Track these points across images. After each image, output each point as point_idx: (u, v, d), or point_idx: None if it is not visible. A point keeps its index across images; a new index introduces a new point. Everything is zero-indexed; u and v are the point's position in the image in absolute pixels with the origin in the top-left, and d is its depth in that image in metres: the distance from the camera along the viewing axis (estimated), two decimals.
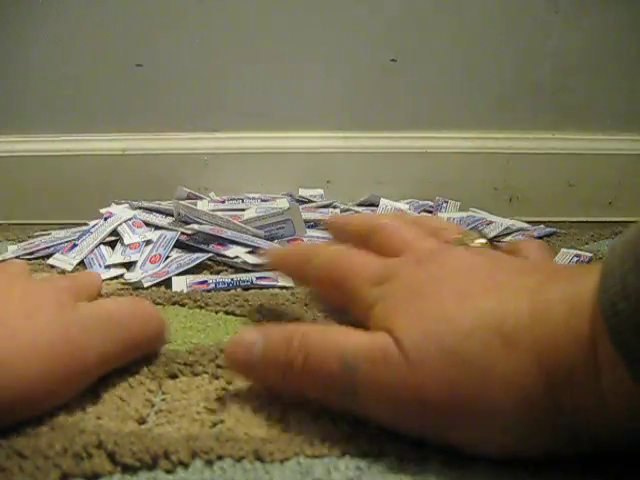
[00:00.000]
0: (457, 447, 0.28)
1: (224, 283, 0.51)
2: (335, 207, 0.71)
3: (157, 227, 0.62)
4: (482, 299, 0.28)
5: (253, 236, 0.59)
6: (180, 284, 0.51)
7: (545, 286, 0.27)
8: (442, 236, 0.36)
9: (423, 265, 0.31)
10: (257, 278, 0.52)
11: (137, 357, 0.36)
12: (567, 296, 0.26)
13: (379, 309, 0.30)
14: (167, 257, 0.57)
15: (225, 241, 0.58)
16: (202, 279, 0.52)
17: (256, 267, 0.55)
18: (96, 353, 0.32)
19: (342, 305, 0.35)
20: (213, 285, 0.51)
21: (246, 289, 0.50)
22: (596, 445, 0.26)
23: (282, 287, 0.51)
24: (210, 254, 0.56)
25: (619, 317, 0.23)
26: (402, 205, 0.69)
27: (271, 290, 0.50)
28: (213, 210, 0.66)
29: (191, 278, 0.52)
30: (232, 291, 0.50)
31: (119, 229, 0.61)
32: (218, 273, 0.55)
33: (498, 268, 0.30)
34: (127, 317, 0.35)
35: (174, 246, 0.58)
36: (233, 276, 0.53)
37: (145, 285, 0.51)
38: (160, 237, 0.59)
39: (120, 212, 0.64)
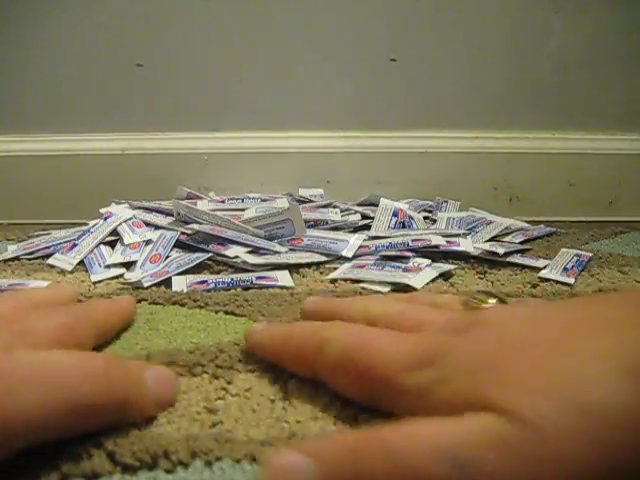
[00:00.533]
0: None
1: (224, 283, 0.51)
2: (335, 207, 0.71)
3: (157, 227, 0.62)
4: (591, 341, 0.24)
5: (253, 236, 0.59)
6: (180, 284, 0.51)
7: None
8: (446, 308, 0.33)
9: (473, 333, 0.27)
10: (257, 278, 0.52)
11: (93, 427, 0.28)
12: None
13: (444, 392, 0.25)
14: (167, 257, 0.57)
15: (225, 241, 0.58)
16: (202, 279, 0.52)
17: (256, 267, 0.55)
18: (22, 419, 0.25)
19: (365, 397, 0.30)
20: (213, 285, 0.51)
21: (246, 289, 0.50)
22: None
23: (282, 287, 0.51)
24: (210, 254, 0.56)
25: None
26: (402, 205, 0.69)
27: (271, 290, 0.50)
28: (213, 210, 0.66)
29: (191, 278, 0.52)
30: (232, 291, 0.50)
31: (119, 229, 0.61)
32: (218, 273, 0.55)
33: (561, 315, 0.27)
34: (74, 376, 0.28)
35: (174, 246, 0.58)
36: (233, 276, 0.53)
37: (145, 285, 0.51)
38: (160, 237, 0.59)
39: (120, 212, 0.64)
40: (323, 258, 0.57)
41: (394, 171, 0.77)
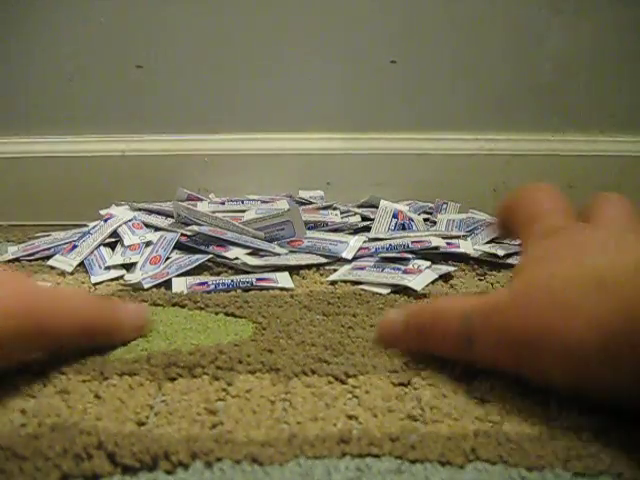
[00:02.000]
0: (544, 381, 0.32)
1: (224, 284, 0.51)
2: (335, 208, 0.71)
3: (157, 228, 0.62)
4: (591, 258, 0.32)
5: (253, 237, 0.59)
6: (180, 285, 0.51)
7: None
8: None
9: (548, 239, 0.36)
10: (257, 279, 0.52)
11: (87, 344, 0.38)
12: None
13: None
14: (167, 258, 0.57)
15: (225, 242, 0.58)
16: (202, 280, 0.52)
17: (255, 269, 0.55)
18: (61, 325, 0.35)
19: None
20: (213, 286, 0.51)
21: (246, 290, 0.51)
22: None
23: (282, 288, 0.51)
24: (210, 255, 0.56)
25: None
26: (402, 207, 0.69)
27: (271, 292, 0.50)
28: (213, 211, 0.66)
29: (191, 279, 0.53)
30: (232, 292, 0.50)
31: (119, 230, 0.61)
32: (218, 274, 0.55)
33: (612, 238, 0.34)
34: (86, 304, 0.38)
35: (174, 247, 0.58)
36: (233, 277, 0.53)
37: (145, 286, 0.51)
38: (160, 238, 0.59)
39: (120, 213, 0.64)
40: (323, 260, 0.57)
41: (394, 173, 0.77)
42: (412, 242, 0.58)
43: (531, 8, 0.75)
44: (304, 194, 0.75)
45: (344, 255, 0.57)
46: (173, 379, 0.35)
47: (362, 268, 0.55)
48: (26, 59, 0.75)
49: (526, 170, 0.77)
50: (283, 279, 0.53)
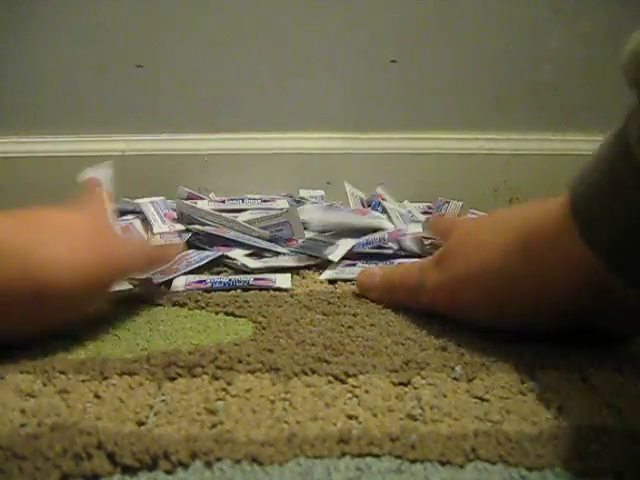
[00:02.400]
0: (469, 312, 0.41)
1: (221, 283, 0.51)
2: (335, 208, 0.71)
3: None
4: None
5: (258, 237, 0.59)
6: (179, 282, 0.51)
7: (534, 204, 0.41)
8: None
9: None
10: (255, 279, 0.52)
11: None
12: (550, 204, 0.38)
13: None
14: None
15: (228, 242, 0.58)
16: (200, 278, 0.52)
17: (255, 270, 0.55)
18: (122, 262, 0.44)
19: None
20: (210, 285, 0.51)
21: (245, 290, 0.50)
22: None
23: (279, 289, 0.51)
24: (220, 253, 0.56)
25: (576, 194, 0.35)
26: (403, 209, 0.69)
27: (271, 292, 0.50)
28: (214, 209, 0.66)
29: (190, 277, 0.52)
30: (232, 292, 0.50)
31: (148, 215, 0.61)
32: (218, 274, 0.55)
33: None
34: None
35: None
36: (231, 277, 0.53)
37: (156, 282, 0.51)
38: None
39: (101, 175, 0.63)
40: (319, 261, 0.57)
41: (394, 172, 0.77)
42: (388, 234, 0.60)
43: (531, 8, 0.75)
44: (305, 193, 0.75)
45: (330, 257, 0.56)
46: (173, 379, 0.35)
47: (353, 264, 0.55)
48: (26, 59, 0.75)
49: (526, 170, 0.77)
50: (281, 280, 0.52)
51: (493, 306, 0.39)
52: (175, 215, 0.63)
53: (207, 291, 0.50)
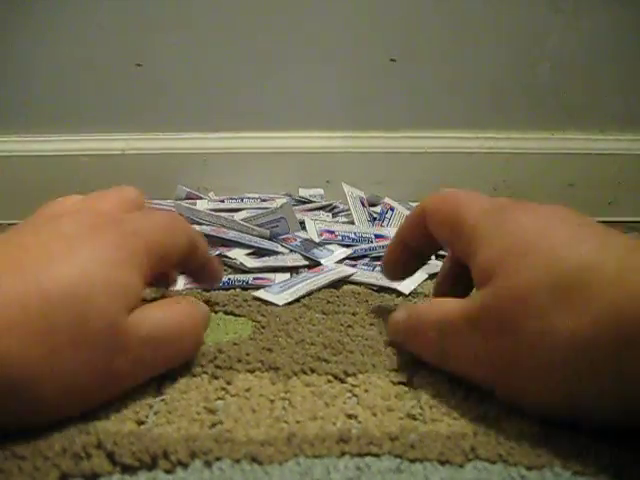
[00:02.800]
0: (517, 399, 0.31)
1: (220, 282, 0.51)
2: (334, 207, 0.71)
3: None
4: (559, 252, 0.29)
5: (257, 236, 0.59)
6: (178, 283, 0.51)
7: (633, 252, 0.28)
8: None
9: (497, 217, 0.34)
10: (254, 278, 0.52)
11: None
12: None
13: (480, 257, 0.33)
14: None
15: (228, 242, 0.58)
16: None
17: (254, 270, 0.55)
18: (134, 376, 0.32)
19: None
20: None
21: (244, 289, 0.50)
22: None
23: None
24: (218, 252, 0.56)
25: None
26: (403, 210, 0.69)
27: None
28: (213, 209, 0.66)
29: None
30: (231, 291, 0.50)
31: None
32: None
33: (583, 221, 0.32)
34: (175, 336, 0.34)
35: None
36: (230, 276, 0.52)
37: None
38: None
39: None
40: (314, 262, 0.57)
41: (394, 171, 0.77)
42: (375, 237, 0.60)
43: (531, 7, 0.75)
44: (304, 192, 0.75)
45: (323, 262, 0.56)
46: (172, 378, 0.35)
47: (353, 265, 0.55)
48: (26, 58, 0.74)
49: (526, 169, 0.77)
50: (280, 279, 0.52)
51: (564, 403, 0.29)
52: None
53: (206, 290, 0.50)
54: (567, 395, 0.28)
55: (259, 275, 0.53)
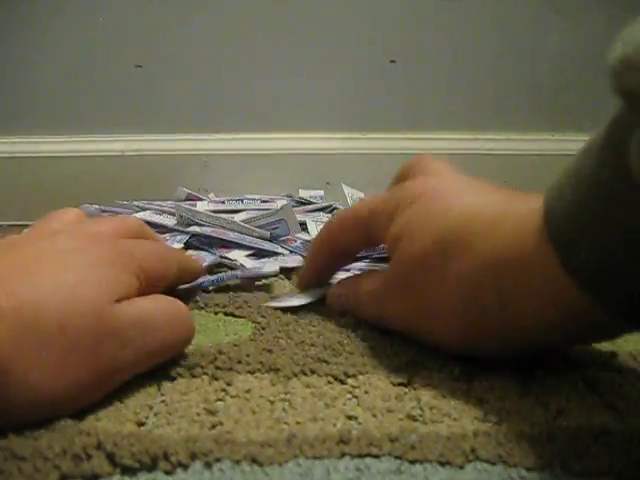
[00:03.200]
0: (432, 342, 0.37)
1: (209, 281, 0.51)
2: (335, 209, 0.71)
3: (167, 229, 0.62)
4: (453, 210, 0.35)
5: (258, 238, 0.59)
6: None
7: (505, 204, 0.35)
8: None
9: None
10: (242, 272, 0.52)
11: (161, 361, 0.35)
12: (520, 211, 0.32)
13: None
14: None
15: (229, 243, 0.58)
16: None
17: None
18: (125, 364, 0.32)
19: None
20: (200, 282, 0.50)
21: (240, 287, 0.50)
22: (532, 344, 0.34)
23: (267, 276, 0.51)
24: (218, 260, 0.56)
25: (554, 214, 0.29)
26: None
27: (270, 293, 0.50)
28: (213, 210, 0.66)
29: None
30: (231, 292, 0.50)
31: None
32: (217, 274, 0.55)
33: (489, 187, 0.38)
34: (164, 322, 0.34)
35: (185, 249, 0.58)
36: (220, 274, 0.52)
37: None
38: (171, 237, 0.60)
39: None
40: None
41: (394, 172, 0.77)
42: None
43: (531, 8, 0.75)
44: (304, 194, 0.75)
45: None
46: (172, 379, 0.35)
47: (348, 270, 0.55)
48: (25, 59, 0.75)
49: (526, 170, 0.77)
50: (268, 265, 0.52)
51: (461, 338, 0.35)
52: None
53: (206, 291, 0.50)
54: (463, 331, 0.34)
55: (247, 267, 0.53)
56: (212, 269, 0.55)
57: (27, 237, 0.37)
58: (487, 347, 0.35)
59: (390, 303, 0.39)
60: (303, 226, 0.63)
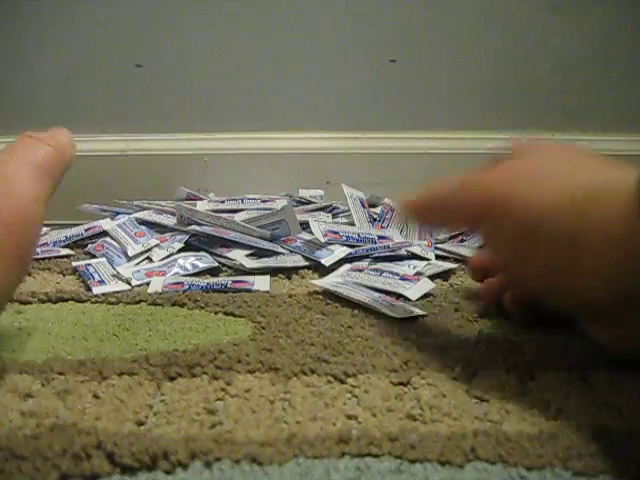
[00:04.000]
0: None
1: (198, 286, 0.51)
2: (334, 209, 0.71)
3: (167, 229, 0.62)
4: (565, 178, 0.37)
5: (258, 237, 0.59)
6: (157, 285, 0.51)
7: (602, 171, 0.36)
8: None
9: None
10: (233, 282, 0.51)
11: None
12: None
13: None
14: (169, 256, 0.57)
15: (229, 242, 0.58)
16: (178, 280, 0.52)
17: (253, 270, 0.54)
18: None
19: None
20: (188, 287, 0.50)
21: (224, 292, 0.50)
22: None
23: (256, 290, 0.50)
24: (216, 264, 0.56)
25: None
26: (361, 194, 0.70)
27: (270, 292, 0.50)
28: (213, 210, 0.66)
29: (169, 279, 0.52)
30: (230, 292, 0.50)
31: (121, 240, 0.60)
32: (217, 274, 0.55)
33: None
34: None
35: (184, 249, 0.58)
36: (209, 280, 0.52)
37: (132, 284, 0.51)
38: (171, 237, 0.60)
39: (105, 224, 0.64)
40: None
41: (394, 172, 0.77)
42: (378, 238, 0.60)
43: (531, 8, 0.75)
44: (304, 193, 0.75)
45: (323, 262, 0.56)
46: (172, 379, 0.35)
47: (361, 270, 0.55)
48: (25, 58, 0.75)
49: None
50: (260, 282, 0.52)
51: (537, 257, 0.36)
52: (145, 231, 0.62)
53: (184, 292, 0.50)
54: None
55: (238, 278, 0.53)
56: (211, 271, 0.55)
57: None
58: (563, 284, 0.35)
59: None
60: (303, 226, 0.63)
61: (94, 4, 0.73)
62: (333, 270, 0.55)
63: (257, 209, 0.67)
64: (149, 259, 0.58)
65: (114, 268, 0.55)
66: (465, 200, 0.41)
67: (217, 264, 0.56)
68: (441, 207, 0.44)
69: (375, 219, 0.66)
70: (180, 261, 0.56)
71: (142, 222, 0.64)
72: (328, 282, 0.52)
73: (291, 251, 0.58)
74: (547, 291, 0.37)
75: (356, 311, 0.46)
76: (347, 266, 0.56)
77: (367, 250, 0.58)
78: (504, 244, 0.39)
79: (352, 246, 0.59)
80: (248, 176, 0.76)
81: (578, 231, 0.34)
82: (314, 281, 0.52)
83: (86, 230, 0.63)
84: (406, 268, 0.55)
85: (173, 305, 0.47)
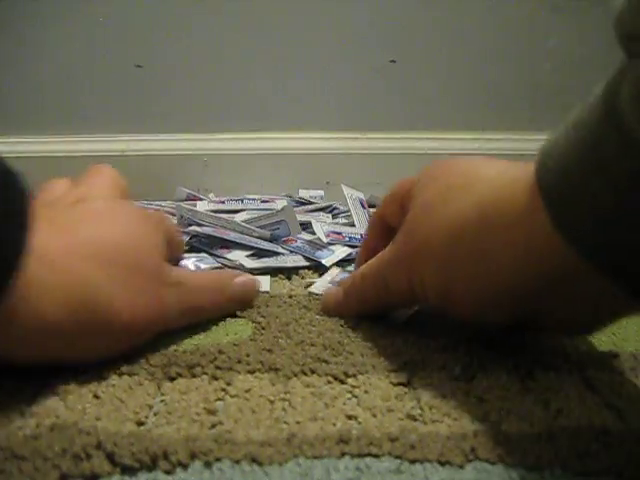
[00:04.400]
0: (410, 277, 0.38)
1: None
2: (334, 209, 0.71)
3: None
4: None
5: (258, 238, 0.59)
6: None
7: (511, 167, 0.36)
8: None
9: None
10: None
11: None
12: (515, 173, 0.34)
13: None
14: None
15: (229, 243, 0.58)
16: None
17: (253, 270, 0.54)
18: (178, 313, 0.39)
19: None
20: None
21: None
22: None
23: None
24: (212, 261, 0.56)
25: (546, 170, 0.30)
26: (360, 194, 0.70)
27: (270, 292, 0.50)
28: (213, 210, 0.66)
29: None
30: None
31: None
32: None
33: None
34: (205, 285, 0.43)
35: (185, 250, 0.58)
36: None
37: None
38: None
39: None
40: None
41: (394, 172, 0.77)
42: None
43: (531, 8, 0.75)
44: (304, 194, 0.75)
45: (324, 262, 0.56)
46: (172, 379, 0.35)
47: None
48: (25, 59, 0.75)
49: None
50: (260, 283, 0.52)
51: (440, 281, 0.36)
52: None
53: None
54: (442, 275, 0.35)
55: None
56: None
57: (53, 206, 0.39)
58: (461, 299, 0.35)
59: (393, 255, 0.39)
60: (304, 226, 0.63)
61: (94, 4, 0.73)
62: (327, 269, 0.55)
63: (257, 209, 0.67)
64: None
65: None
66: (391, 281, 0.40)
67: (218, 265, 0.56)
68: (362, 300, 0.44)
69: None
70: (182, 262, 0.56)
71: None
72: (324, 286, 0.51)
73: (291, 251, 0.58)
74: (478, 313, 0.36)
75: None
76: (337, 269, 0.56)
77: None
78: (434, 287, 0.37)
79: (353, 246, 0.59)
80: (248, 176, 0.76)
81: (486, 244, 0.33)
82: (311, 288, 0.51)
83: None
84: None
85: None
